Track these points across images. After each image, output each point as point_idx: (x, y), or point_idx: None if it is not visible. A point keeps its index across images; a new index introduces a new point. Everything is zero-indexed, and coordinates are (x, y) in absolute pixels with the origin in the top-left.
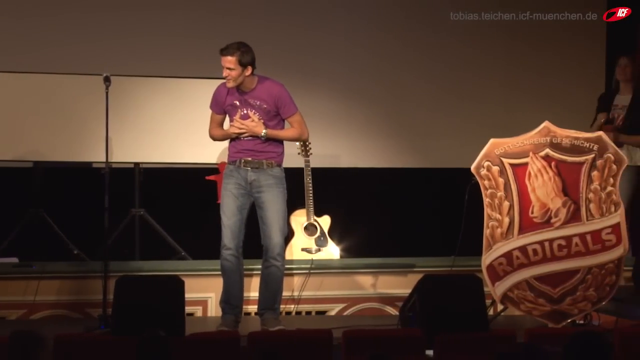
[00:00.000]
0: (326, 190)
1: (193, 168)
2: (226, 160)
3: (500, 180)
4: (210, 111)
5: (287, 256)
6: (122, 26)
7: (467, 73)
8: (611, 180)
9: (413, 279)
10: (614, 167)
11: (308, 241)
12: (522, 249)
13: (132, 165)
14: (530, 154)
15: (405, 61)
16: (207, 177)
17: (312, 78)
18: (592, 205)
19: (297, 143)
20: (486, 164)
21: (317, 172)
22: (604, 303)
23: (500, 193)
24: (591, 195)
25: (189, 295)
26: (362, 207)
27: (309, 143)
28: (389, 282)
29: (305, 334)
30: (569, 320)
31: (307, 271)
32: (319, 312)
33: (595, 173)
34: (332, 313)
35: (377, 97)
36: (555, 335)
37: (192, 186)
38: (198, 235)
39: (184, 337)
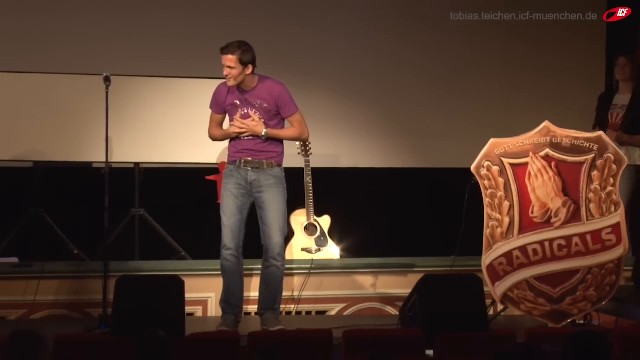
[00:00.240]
0: (326, 190)
1: (193, 168)
2: (226, 160)
3: (501, 180)
4: (210, 111)
5: (287, 256)
6: (122, 26)
7: (467, 73)
8: (611, 180)
9: (413, 279)
10: (614, 167)
11: (308, 241)
12: (522, 249)
13: (132, 165)
14: (531, 154)
15: (405, 61)
16: (207, 177)
17: (312, 78)
18: (592, 205)
19: (297, 143)
20: (486, 164)
21: (317, 172)
22: (604, 303)
23: (501, 193)
24: (591, 195)
25: (189, 295)
26: (362, 207)
27: (309, 143)
28: (389, 282)
29: (306, 334)
30: (569, 320)
31: (307, 271)
32: (319, 312)
33: (595, 173)
34: (332, 313)
35: (377, 98)
36: (555, 335)
37: (192, 186)
38: (198, 235)
39: (184, 337)
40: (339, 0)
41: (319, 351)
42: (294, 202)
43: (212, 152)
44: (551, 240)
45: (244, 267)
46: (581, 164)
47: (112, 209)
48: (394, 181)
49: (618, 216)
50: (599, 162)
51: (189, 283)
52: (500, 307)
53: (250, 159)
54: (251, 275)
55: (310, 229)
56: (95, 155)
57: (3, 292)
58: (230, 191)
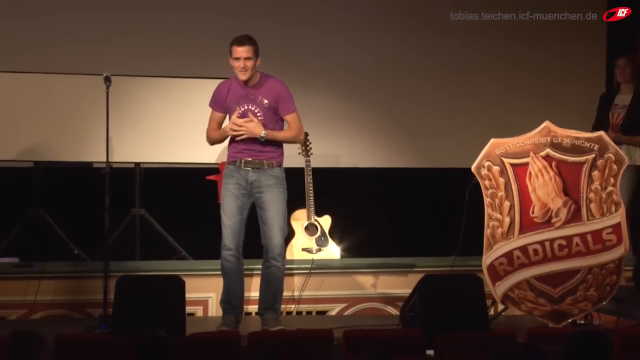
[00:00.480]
0: (327, 190)
1: (193, 168)
2: (226, 160)
3: (501, 180)
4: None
5: (288, 256)
6: (122, 26)
7: (467, 73)
8: (612, 180)
9: (413, 279)
10: (615, 167)
11: (309, 241)
12: (523, 248)
13: (132, 165)
14: (531, 153)
15: (405, 61)
16: (207, 177)
17: (312, 78)
18: (592, 205)
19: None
20: (487, 163)
21: (318, 172)
22: (604, 303)
23: (501, 193)
24: (592, 195)
25: (189, 295)
26: (363, 207)
27: (310, 143)
28: (390, 282)
29: (306, 333)
30: (569, 320)
31: (307, 271)
32: (319, 312)
33: (595, 173)
34: (333, 313)
35: (377, 97)
36: (556, 335)
37: (192, 186)
38: (198, 235)
39: (184, 337)
40: (339, 0)
41: (319, 351)
42: (294, 202)
43: (212, 152)
44: (552, 240)
45: (244, 267)
46: (582, 164)
47: (112, 208)
48: (394, 181)
49: (618, 216)
50: (599, 162)
51: (190, 283)
52: (500, 307)
53: (250, 159)
54: (251, 275)
55: (310, 229)
56: (95, 155)
57: (3, 292)
58: (231, 191)
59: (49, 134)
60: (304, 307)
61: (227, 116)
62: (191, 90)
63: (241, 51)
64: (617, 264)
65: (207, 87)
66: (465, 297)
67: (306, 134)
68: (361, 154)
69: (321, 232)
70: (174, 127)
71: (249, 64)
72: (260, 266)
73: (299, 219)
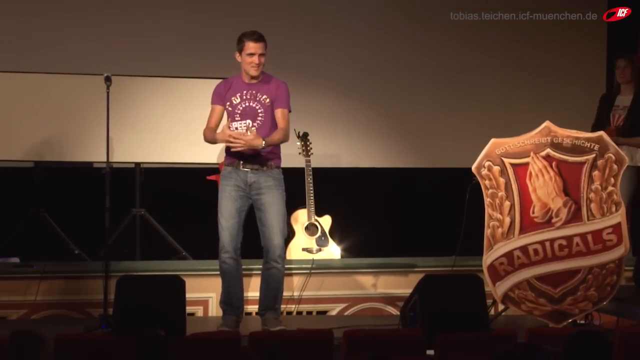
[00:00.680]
0: (327, 190)
1: (193, 168)
2: (224, 161)
3: (501, 180)
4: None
5: (288, 256)
6: (122, 26)
7: (467, 73)
8: (612, 180)
9: (414, 278)
10: (615, 167)
11: (309, 241)
12: (523, 248)
13: (132, 165)
14: (531, 153)
15: (405, 61)
16: (207, 177)
17: (313, 78)
18: (593, 205)
19: (298, 143)
20: (487, 163)
21: (318, 172)
22: (604, 303)
23: (501, 193)
24: (592, 195)
25: (189, 295)
26: (363, 207)
27: (310, 143)
28: (390, 282)
29: (306, 333)
30: (569, 320)
31: (308, 271)
32: (319, 312)
33: (596, 173)
34: (333, 313)
35: (377, 97)
36: (556, 335)
37: (192, 186)
38: (199, 235)
39: (184, 337)
40: (339, 0)
41: (320, 351)
42: (294, 202)
43: (212, 152)
44: (552, 240)
45: (243, 267)
46: (582, 164)
47: (112, 208)
48: (394, 181)
49: (619, 216)
50: (599, 162)
51: (190, 283)
52: (501, 307)
53: (249, 160)
54: (250, 276)
55: (311, 229)
56: (96, 155)
57: (4, 292)
58: (229, 193)
59: (49, 134)
60: (305, 307)
61: (226, 115)
62: (191, 90)
63: (257, 47)
64: (617, 264)
65: (207, 87)
66: (466, 297)
67: (306, 134)
68: (361, 154)
69: (321, 232)
70: (174, 127)
71: (262, 60)
72: (260, 266)
73: (299, 219)
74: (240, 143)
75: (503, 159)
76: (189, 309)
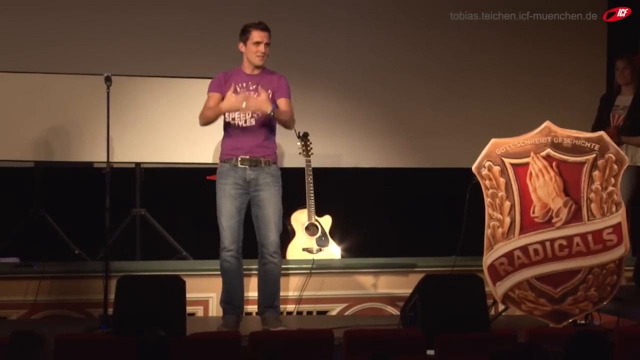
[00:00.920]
0: (327, 190)
1: (193, 168)
2: (220, 158)
3: (502, 180)
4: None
5: (288, 256)
6: (122, 26)
7: (467, 73)
8: (612, 180)
9: (414, 279)
10: (615, 167)
11: (309, 241)
12: (523, 248)
13: (133, 165)
14: (532, 153)
15: (406, 61)
16: (207, 177)
17: (313, 77)
18: (593, 205)
19: (298, 143)
20: (487, 163)
21: (318, 172)
22: (605, 303)
23: (502, 193)
24: (592, 195)
25: (190, 295)
26: (363, 207)
27: (310, 143)
28: (390, 282)
29: (307, 334)
30: (570, 320)
31: (308, 271)
32: (320, 312)
33: (596, 173)
34: (334, 313)
35: (378, 97)
36: (556, 335)
37: (192, 186)
38: (199, 235)
39: (184, 337)
40: (340, 0)
41: (320, 351)
42: (294, 202)
43: (212, 152)
44: (552, 240)
45: (243, 267)
46: (582, 164)
47: (112, 208)
48: (394, 181)
49: (619, 216)
50: (600, 162)
51: (190, 283)
52: (501, 307)
53: (247, 156)
54: (250, 276)
55: (311, 229)
56: (96, 155)
57: (4, 292)
58: (229, 192)
59: (49, 134)
60: (305, 307)
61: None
62: (191, 90)
63: (263, 36)
64: (617, 264)
65: (207, 87)
66: (466, 297)
67: (306, 134)
68: (362, 154)
69: (322, 232)
70: (174, 127)
71: (267, 50)
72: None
73: (300, 219)
74: (250, 102)
75: (503, 159)
76: (189, 309)
